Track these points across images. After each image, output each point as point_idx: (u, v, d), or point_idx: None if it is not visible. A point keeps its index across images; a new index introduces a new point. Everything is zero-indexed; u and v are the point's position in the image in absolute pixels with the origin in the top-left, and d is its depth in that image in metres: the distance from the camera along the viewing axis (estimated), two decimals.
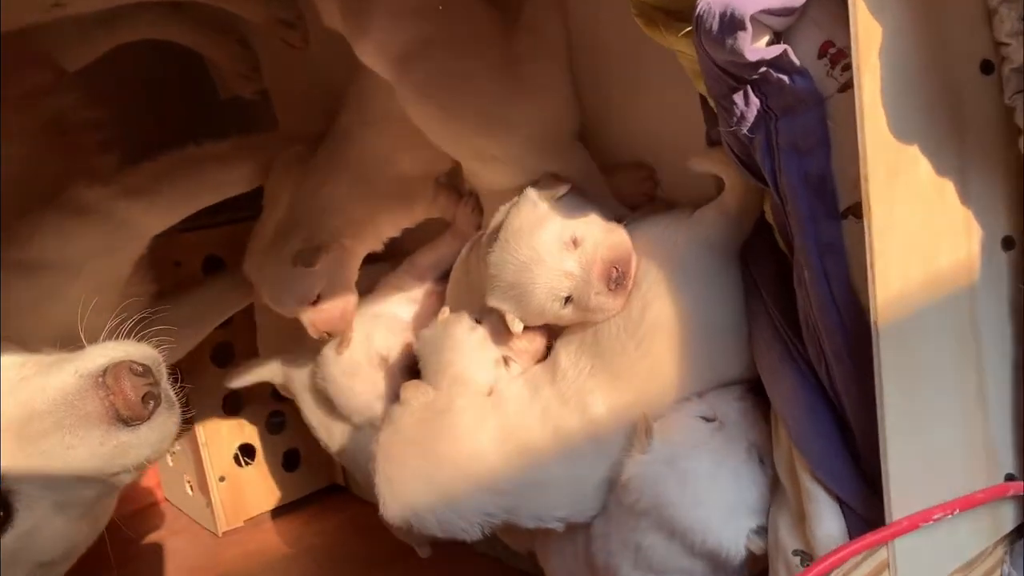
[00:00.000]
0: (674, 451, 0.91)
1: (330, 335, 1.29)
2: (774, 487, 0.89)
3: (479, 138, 1.11)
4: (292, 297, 1.26)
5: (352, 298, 1.29)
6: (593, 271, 0.96)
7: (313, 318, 1.26)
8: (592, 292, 0.96)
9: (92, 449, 0.75)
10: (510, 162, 1.11)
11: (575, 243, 0.98)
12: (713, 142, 0.96)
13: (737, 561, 0.87)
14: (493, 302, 1.05)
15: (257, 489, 1.79)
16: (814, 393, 0.80)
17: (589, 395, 0.99)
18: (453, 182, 1.35)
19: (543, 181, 1.07)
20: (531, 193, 1.03)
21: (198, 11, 1.53)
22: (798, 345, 0.82)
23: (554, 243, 0.98)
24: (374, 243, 1.33)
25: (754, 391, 0.95)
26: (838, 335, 0.75)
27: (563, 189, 1.04)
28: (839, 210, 0.75)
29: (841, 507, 0.78)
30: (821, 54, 0.72)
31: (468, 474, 0.99)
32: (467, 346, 1.08)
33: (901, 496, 0.73)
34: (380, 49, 1.11)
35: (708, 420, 0.93)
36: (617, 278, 0.96)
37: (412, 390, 1.08)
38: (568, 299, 0.99)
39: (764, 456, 0.91)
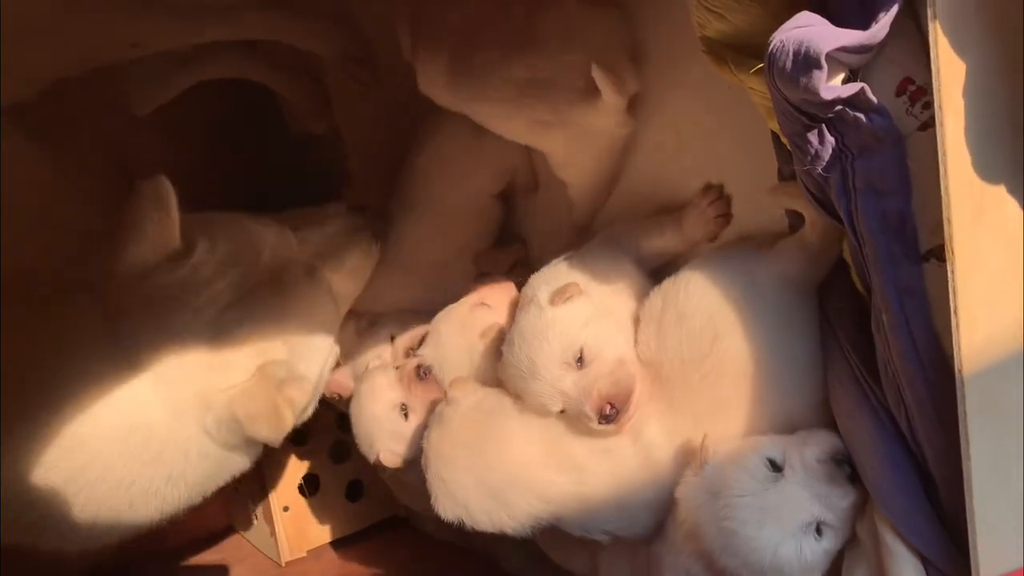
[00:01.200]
0: (723, 485, 0.87)
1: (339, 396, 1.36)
2: (850, 541, 0.85)
3: (530, 108, 1.10)
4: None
5: None
6: (588, 401, 0.95)
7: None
8: (584, 417, 0.96)
9: None
10: (564, 125, 1.10)
11: (579, 361, 0.97)
12: (784, 178, 0.94)
13: None
14: (502, 377, 1.07)
15: (320, 520, 1.79)
16: (894, 442, 0.76)
17: (645, 423, 0.97)
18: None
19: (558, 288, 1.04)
20: (540, 296, 1.02)
21: (271, 49, 1.57)
22: (877, 391, 0.79)
23: (554, 360, 0.98)
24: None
25: (841, 458, 0.87)
26: (920, 383, 0.72)
27: (576, 296, 1.01)
28: (920, 253, 0.72)
29: (924, 565, 0.74)
30: (900, 92, 0.70)
31: (517, 479, 0.99)
32: None
33: (988, 554, 0.69)
34: (431, 83, 1.14)
35: (774, 466, 0.87)
36: (610, 415, 0.94)
37: (460, 389, 1.08)
38: (563, 411, 0.99)
39: (828, 530, 0.84)
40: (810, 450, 0.86)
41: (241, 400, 0.99)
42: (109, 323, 0.98)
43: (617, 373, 0.95)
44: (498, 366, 1.08)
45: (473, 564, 1.51)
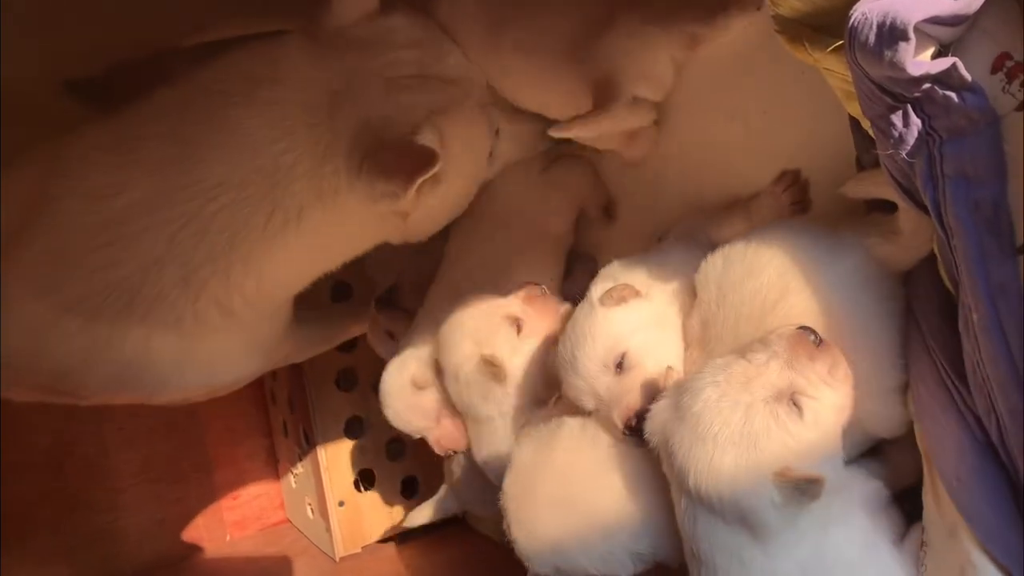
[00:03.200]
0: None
1: (455, 451, 1.34)
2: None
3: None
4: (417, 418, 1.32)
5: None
6: (617, 408, 0.93)
7: (438, 436, 1.32)
8: (610, 421, 0.94)
9: None
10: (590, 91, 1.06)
11: (619, 368, 0.94)
12: (863, 168, 0.88)
13: None
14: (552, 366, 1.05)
15: (375, 515, 1.78)
16: (984, 453, 0.70)
17: None
18: None
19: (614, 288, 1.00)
20: (594, 293, 0.99)
21: None
22: (965, 395, 0.72)
23: (595, 362, 0.95)
24: None
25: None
26: (1013, 390, 0.65)
27: (630, 298, 0.97)
28: (1015, 246, 0.65)
29: None
30: (995, 68, 0.64)
31: (598, 484, 0.96)
32: None
33: None
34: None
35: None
36: (636, 428, 0.90)
37: (525, 433, 1.06)
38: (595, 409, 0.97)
39: (808, 402, 0.77)
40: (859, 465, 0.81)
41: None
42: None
43: (654, 388, 0.92)
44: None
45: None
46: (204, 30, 1.19)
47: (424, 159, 1.01)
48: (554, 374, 1.04)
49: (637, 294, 0.98)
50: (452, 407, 1.26)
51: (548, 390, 1.13)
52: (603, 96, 1.03)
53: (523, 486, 1.00)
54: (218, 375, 1.21)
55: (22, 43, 1.15)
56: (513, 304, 1.17)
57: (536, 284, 1.19)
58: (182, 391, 1.17)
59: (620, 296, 0.97)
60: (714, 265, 0.92)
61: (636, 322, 0.96)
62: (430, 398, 1.29)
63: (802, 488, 0.75)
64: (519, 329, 1.16)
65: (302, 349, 1.47)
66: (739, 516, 0.77)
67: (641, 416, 0.89)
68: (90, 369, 1.08)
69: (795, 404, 0.77)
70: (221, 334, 1.14)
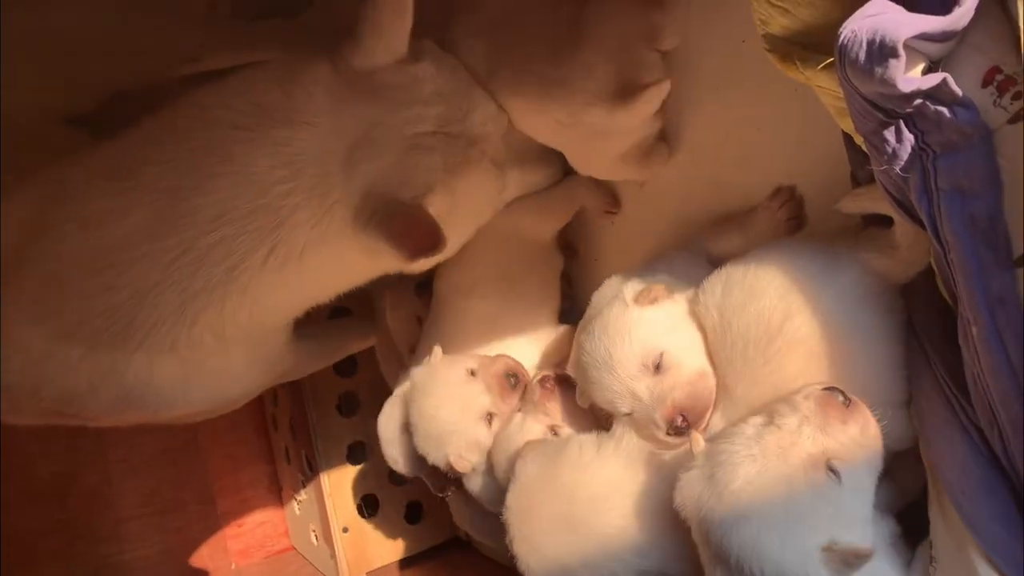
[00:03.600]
0: (714, 455, 0.81)
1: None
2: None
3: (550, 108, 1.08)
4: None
5: None
6: (660, 409, 0.91)
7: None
8: (651, 424, 0.92)
9: None
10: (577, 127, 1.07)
11: (657, 368, 0.92)
12: (859, 184, 0.89)
13: None
14: (571, 369, 1.04)
15: (380, 541, 1.77)
16: (988, 466, 0.70)
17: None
18: None
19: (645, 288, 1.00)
20: (627, 293, 0.98)
21: None
22: (967, 408, 0.72)
23: (633, 361, 0.93)
24: None
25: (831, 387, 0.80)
26: (1014, 401, 0.65)
27: (662, 299, 0.96)
28: (1012, 258, 0.65)
29: None
30: (986, 82, 0.64)
31: (605, 505, 0.94)
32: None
33: None
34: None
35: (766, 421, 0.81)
36: (681, 427, 0.89)
37: (532, 446, 1.04)
38: (629, 413, 0.94)
39: (843, 466, 0.76)
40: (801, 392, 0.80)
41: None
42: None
43: (696, 385, 0.91)
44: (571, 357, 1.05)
45: None
46: (198, 61, 1.20)
47: (432, 240, 1.00)
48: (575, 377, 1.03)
49: (669, 295, 0.97)
50: None
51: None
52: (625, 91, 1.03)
53: (527, 502, 0.99)
54: (222, 392, 1.20)
55: (17, 75, 1.15)
56: (484, 397, 1.19)
57: (548, 376, 1.17)
58: (188, 408, 1.17)
59: (654, 296, 0.96)
60: (712, 291, 0.93)
61: (670, 322, 0.95)
62: None
63: (850, 561, 0.73)
64: (490, 422, 1.19)
65: (303, 364, 1.47)
66: None
67: (685, 416, 0.89)
68: (95, 394, 1.08)
69: (832, 470, 0.76)
70: (219, 355, 1.14)
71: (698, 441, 0.85)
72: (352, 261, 1.09)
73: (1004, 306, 0.65)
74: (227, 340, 1.11)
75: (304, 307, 1.19)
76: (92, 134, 1.21)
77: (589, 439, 1.00)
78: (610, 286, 1.08)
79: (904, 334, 0.83)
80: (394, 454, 1.33)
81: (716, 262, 1.02)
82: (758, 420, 0.80)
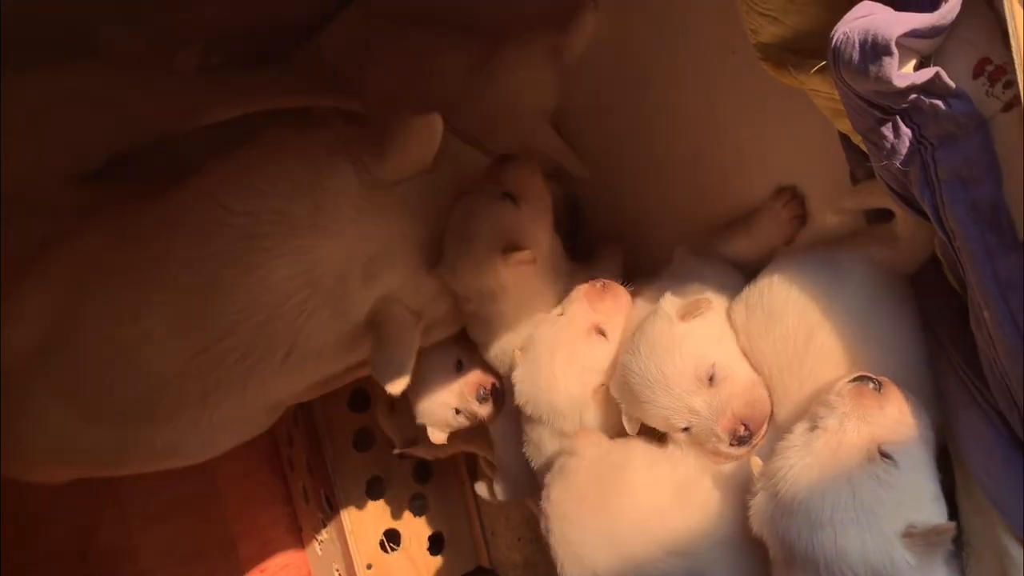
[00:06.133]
0: (772, 474, 0.82)
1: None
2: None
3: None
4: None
5: None
6: (720, 421, 0.90)
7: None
8: (712, 438, 0.91)
9: None
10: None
11: (711, 380, 0.91)
12: (858, 182, 0.90)
13: None
14: (615, 392, 1.01)
15: (404, 575, 1.76)
16: (1010, 446, 0.71)
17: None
18: None
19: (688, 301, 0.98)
20: (667, 306, 0.96)
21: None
22: (985, 393, 0.73)
23: (687, 375, 0.92)
24: None
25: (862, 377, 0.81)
26: None
27: (706, 311, 0.95)
28: (1018, 240, 0.67)
29: None
30: (977, 73, 0.66)
31: (649, 535, 0.93)
32: None
33: None
34: None
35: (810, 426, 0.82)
36: (743, 436, 0.89)
37: (584, 440, 1.02)
38: (687, 429, 0.93)
39: (896, 449, 0.76)
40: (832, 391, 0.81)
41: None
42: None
43: (753, 394, 0.91)
44: (612, 377, 1.02)
45: None
46: (200, 114, 1.23)
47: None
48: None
49: (711, 306, 0.96)
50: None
51: None
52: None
53: (572, 506, 0.97)
54: (249, 434, 1.23)
55: (18, 142, 1.17)
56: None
57: (595, 279, 1.12)
58: (218, 453, 1.21)
59: (697, 308, 0.95)
60: (737, 315, 0.94)
61: (714, 332, 0.95)
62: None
63: (932, 540, 0.74)
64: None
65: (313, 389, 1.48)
66: None
67: (747, 425, 0.89)
68: (123, 461, 1.12)
69: (885, 455, 0.76)
70: (243, 416, 1.18)
71: (757, 463, 0.85)
72: (365, 352, 1.10)
73: (1015, 288, 0.67)
74: (248, 408, 1.15)
75: (320, 389, 1.25)
76: (101, 187, 1.23)
77: (643, 456, 0.98)
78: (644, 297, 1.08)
79: (918, 319, 0.85)
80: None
81: (736, 265, 1.04)
82: (803, 427, 0.81)
